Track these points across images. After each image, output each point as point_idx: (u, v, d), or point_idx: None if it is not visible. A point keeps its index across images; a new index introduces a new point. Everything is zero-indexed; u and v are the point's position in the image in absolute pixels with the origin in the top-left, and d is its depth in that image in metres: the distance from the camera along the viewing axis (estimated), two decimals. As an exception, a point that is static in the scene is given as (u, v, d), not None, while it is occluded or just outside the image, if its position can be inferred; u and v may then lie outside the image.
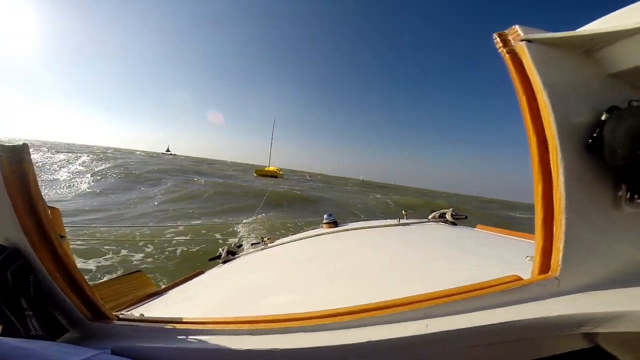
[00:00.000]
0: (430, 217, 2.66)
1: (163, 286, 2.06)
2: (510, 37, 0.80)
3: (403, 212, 2.87)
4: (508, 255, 1.28)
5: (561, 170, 0.71)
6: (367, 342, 0.68)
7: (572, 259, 0.72)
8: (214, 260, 2.56)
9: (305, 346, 0.70)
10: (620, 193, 0.73)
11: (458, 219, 2.54)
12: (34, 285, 0.83)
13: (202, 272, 2.29)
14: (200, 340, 0.79)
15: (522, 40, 0.76)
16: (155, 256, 6.93)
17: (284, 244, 2.44)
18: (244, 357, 0.73)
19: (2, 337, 0.61)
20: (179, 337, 0.82)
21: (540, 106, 0.74)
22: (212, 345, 0.76)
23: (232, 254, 2.52)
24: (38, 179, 0.88)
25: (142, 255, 6.90)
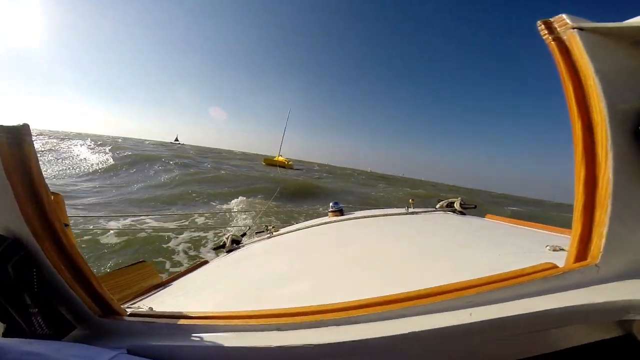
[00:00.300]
0: (437, 206, 2.62)
1: (167, 277, 2.00)
2: (556, 25, 0.80)
3: (410, 200, 2.82)
4: (526, 245, 1.25)
5: (611, 155, 0.70)
6: (409, 333, 0.64)
7: (614, 246, 0.70)
8: (218, 249, 2.50)
9: (343, 340, 0.65)
10: None
11: (467, 209, 2.50)
12: (38, 279, 0.76)
13: (206, 262, 2.23)
14: (225, 338, 0.72)
15: (573, 28, 0.76)
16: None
17: (290, 232, 2.38)
18: (276, 354, 0.67)
19: (9, 340, 0.53)
20: (199, 334, 0.75)
21: (588, 93, 0.74)
22: (240, 343, 0.70)
23: (236, 242, 2.47)
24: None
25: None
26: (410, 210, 2.51)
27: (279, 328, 0.72)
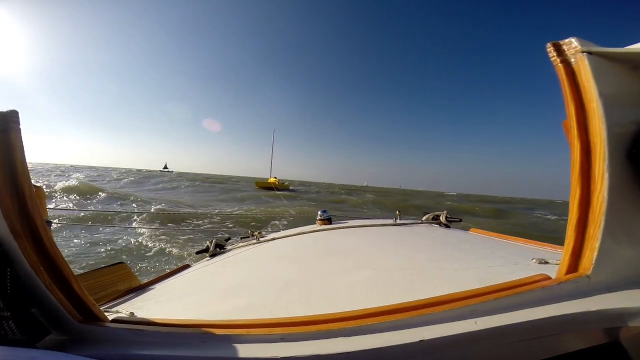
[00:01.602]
0: (424, 218, 2.66)
1: (145, 280, 1.90)
2: (565, 48, 0.83)
3: (397, 212, 2.85)
4: (512, 257, 1.28)
5: (606, 175, 0.74)
6: (419, 341, 0.65)
7: (605, 259, 0.75)
8: (201, 253, 2.41)
9: (353, 349, 0.64)
10: None
11: (451, 222, 2.55)
12: (11, 280, 0.69)
13: (188, 266, 2.14)
14: (225, 349, 0.68)
15: (582, 52, 0.78)
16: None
17: (278, 238, 2.34)
18: None
19: None
20: (195, 344, 0.70)
21: (589, 115, 0.78)
22: (242, 354, 0.65)
23: (220, 247, 2.40)
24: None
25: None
26: (398, 221, 2.53)
27: (283, 338, 0.69)
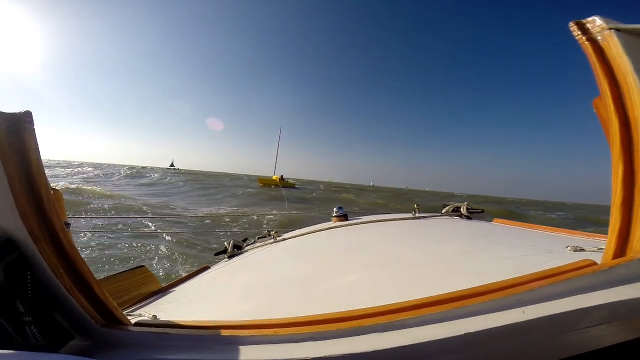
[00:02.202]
0: (443, 210, 2.59)
1: (165, 283, 1.90)
2: (589, 26, 0.83)
3: (415, 205, 2.78)
4: (545, 246, 1.22)
5: None
6: (463, 334, 0.60)
7: None
8: (220, 254, 2.41)
9: (388, 346, 0.59)
10: None
11: (473, 213, 2.47)
12: (33, 284, 0.67)
13: (207, 268, 2.13)
14: (253, 350, 0.64)
15: (610, 29, 0.78)
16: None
17: (295, 237, 2.31)
18: None
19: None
20: (222, 346, 0.67)
21: (625, 90, 0.76)
22: (272, 355, 0.62)
23: (237, 248, 2.39)
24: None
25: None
26: (417, 215, 2.47)
27: (312, 337, 0.65)
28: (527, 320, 0.62)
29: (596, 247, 1.06)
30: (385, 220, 2.37)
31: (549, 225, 1.73)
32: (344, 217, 2.68)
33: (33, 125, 0.72)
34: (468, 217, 2.42)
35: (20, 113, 0.71)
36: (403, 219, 2.37)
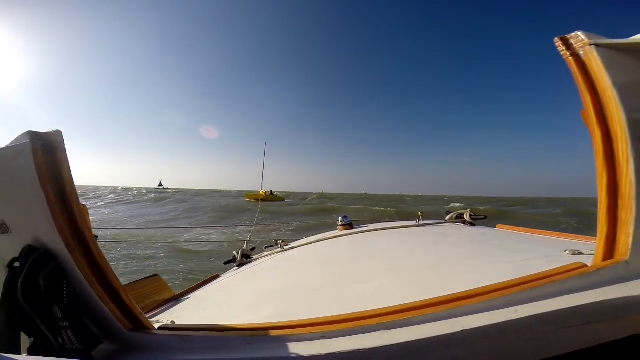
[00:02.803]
0: (447, 218, 2.62)
1: (178, 291, 1.95)
2: (573, 42, 0.87)
3: (419, 213, 2.81)
4: (545, 250, 1.27)
5: (631, 160, 0.75)
6: (461, 331, 0.65)
7: None
8: (229, 263, 2.46)
9: (391, 342, 0.65)
10: None
11: (476, 220, 2.50)
12: (68, 292, 0.73)
13: (217, 276, 2.18)
14: (270, 349, 0.69)
15: (590, 45, 0.82)
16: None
17: (302, 246, 2.35)
18: None
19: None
20: (241, 345, 0.72)
21: (605, 103, 0.81)
22: (287, 353, 0.67)
23: (246, 257, 2.44)
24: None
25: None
26: (421, 222, 2.51)
27: (323, 336, 0.70)
28: (518, 318, 0.66)
29: (594, 251, 1.09)
30: (389, 228, 2.41)
31: (553, 230, 1.76)
32: (349, 225, 2.72)
33: (64, 144, 0.79)
34: (471, 224, 2.45)
35: (52, 133, 0.78)
36: (407, 226, 2.40)
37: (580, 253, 1.09)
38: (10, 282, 0.70)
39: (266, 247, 2.79)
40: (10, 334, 0.70)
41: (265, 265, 2.02)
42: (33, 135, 0.75)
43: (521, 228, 1.99)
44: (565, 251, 1.13)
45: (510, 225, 2.15)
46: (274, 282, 1.51)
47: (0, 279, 0.74)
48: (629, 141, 0.75)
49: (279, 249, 2.45)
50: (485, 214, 2.63)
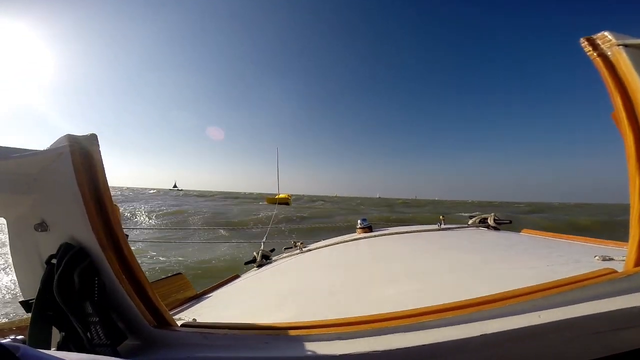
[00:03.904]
0: (470, 222, 2.56)
1: (200, 290, 2.00)
2: (599, 42, 0.85)
3: (441, 217, 2.77)
4: (573, 256, 1.22)
5: None
6: (480, 335, 0.64)
7: None
8: (249, 264, 2.50)
9: (407, 345, 0.64)
10: None
11: (501, 224, 2.42)
12: (99, 288, 0.76)
13: (237, 276, 2.22)
14: (288, 348, 0.70)
15: (618, 45, 0.81)
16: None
17: (320, 248, 2.36)
18: None
19: (78, 355, 0.50)
20: (260, 344, 0.73)
21: (637, 105, 0.78)
22: (303, 352, 0.68)
23: (265, 258, 2.48)
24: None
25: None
26: (443, 226, 2.46)
27: (339, 337, 0.71)
28: (542, 323, 0.64)
29: (625, 257, 1.04)
30: (409, 232, 2.38)
31: (583, 235, 1.69)
32: (368, 228, 2.71)
33: (99, 146, 0.83)
34: (496, 228, 2.39)
35: (88, 136, 0.83)
36: (428, 230, 2.37)
37: (611, 259, 1.05)
38: (47, 279, 0.75)
39: (285, 248, 2.82)
40: (44, 328, 0.74)
41: (284, 266, 2.04)
42: (71, 139, 0.80)
43: (548, 233, 1.93)
44: (595, 257, 1.09)
45: (537, 230, 2.08)
46: (292, 284, 1.52)
47: (37, 275, 0.78)
48: None
49: (298, 251, 2.47)
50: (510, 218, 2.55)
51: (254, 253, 2.50)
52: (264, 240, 2.85)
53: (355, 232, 2.75)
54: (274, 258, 2.52)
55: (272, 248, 2.78)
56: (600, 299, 0.70)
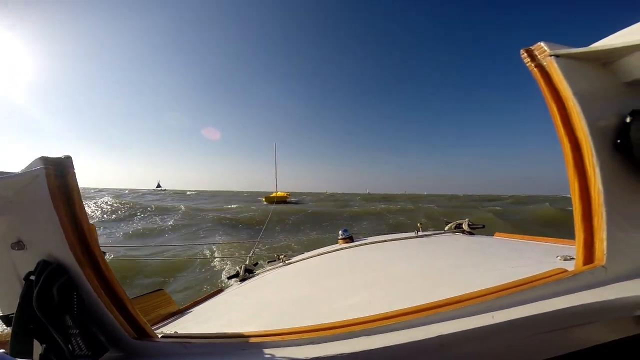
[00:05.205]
0: (446, 228, 2.67)
1: (182, 305, 2.01)
2: (536, 53, 0.88)
3: (419, 224, 2.87)
4: (537, 257, 1.29)
5: (597, 168, 0.78)
6: (437, 337, 0.69)
7: (617, 248, 0.77)
8: (232, 278, 2.53)
9: (372, 347, 0.69)
10: None
11: (475, 229, 2.54)
12: (78, 302, 0.80)
13: (221, 291, 2.24)
14: (262, 353, 0.75)
15: (550, 56, 0.85)
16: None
17: (302, 260, 2.41)
18: None
19: None
20: (237, 351, 0.78)
21: (570, 113, 0.83)
22: (278, 357, 0.73)
23: (249, 272, 2.51)
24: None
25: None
26: (420, 233, 2.55)
27: (312, 342, 0.76)
28: (495, 323, 0.69)
29: None
30: (388, 240, 2.45)
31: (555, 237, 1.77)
32: (349, 239, 2.78)
33: (74, 169, 0.87)
34: (470, 233, 2.50)
35: (63, 158, 0.87)
36: (406, 238, 2.44)
37: (572, 258, 1.09)
38: (26, 294, 0.78)
39: (269, 262, 2.87)
40: (25, 341, 0.77)
41: (266, 279, 2.08)
42: (46, 161, 0.84)
43: (519, 235, 2.02)
44: (557, 257, 1.15)
45: (509, 233, 2.19)
46: (272, 295, 1.56)
47: (16, 291, 0.81)
48: (593, 150, 0.79)
49: (281, 263, 2.51)
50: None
51: (237, 268, 2.53)
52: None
53: (337, 243, 2.81)
54: (257, 272, 2.55)
55: (255, 262, 2.82)
56: (549, 298, 0.75)
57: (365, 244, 2.44)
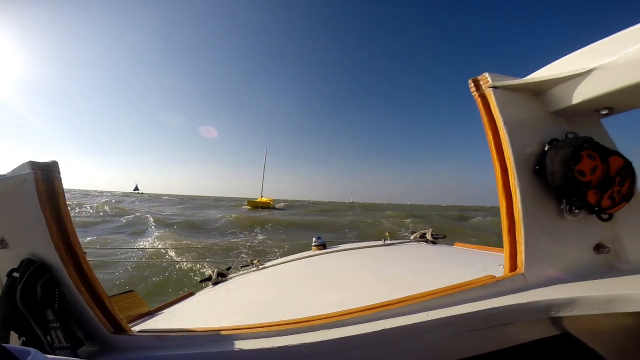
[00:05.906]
0: (412, 237, 2.85)
1: (153, 307, 2.03)
2: (481, 83, 0.98)
3: (386, 233, 3.05)
4: (484, 265, 1.45)
5: (518, 190, 0.91)
6: (380, 330, 0.81)
7: (533, 259, 0.90)
8: (205, 281, 2.56)
9: (328, 338, 0.81)
10: (562, 206, 0.94)
11: (437, 238, 2.74)
12: (59, 298, 0.86)
13: (192, 294, 2.28)
14: (233, 344, 0.84)
15: (490, 87, 0.94)
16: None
17: (275, 265, 2.49)
18: (277, 353, 0.81)
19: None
20: (210, 342, 0.87)
21: (502, 140, 0.95)
22: (249, 347, 0.82)
23: (222, 276, 2.55)
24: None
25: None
26: (387, 242, 2.71)
27: (279, 334, 0.87)
28: (429, 320, 0.82)
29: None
30: (357, 248, 2.59)
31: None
32: (322, 245, 2.90)
33: (60, 173, 0.94)
34: (433, 242, 2.69)
35: (49, 163, 0.93)
36: (374, 246, 2.59)
37: None
38: (9, 289, 0.83)
39: (242, 266, 2.93)
40: (2, 334, 0.82)
41: (238, 283, 2.15)
42: (34, 166, 0.90)
43: (477, 245, 2.20)
44: (500, 265, 1.24)
45: (468, 243, 2.38)
46: (242, 297, 1.64)
47: None
48: (515, 174, 0.91)
49: (254, 268, 2.58)
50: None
51: (210, 271, 2.57)
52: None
53: (311, 250, 2.92)
54: (229, 275, 2.60)
55: (228, 266, 2.86)
56: (475, 301, 0.86)
57: (336, 251, 2.56)
